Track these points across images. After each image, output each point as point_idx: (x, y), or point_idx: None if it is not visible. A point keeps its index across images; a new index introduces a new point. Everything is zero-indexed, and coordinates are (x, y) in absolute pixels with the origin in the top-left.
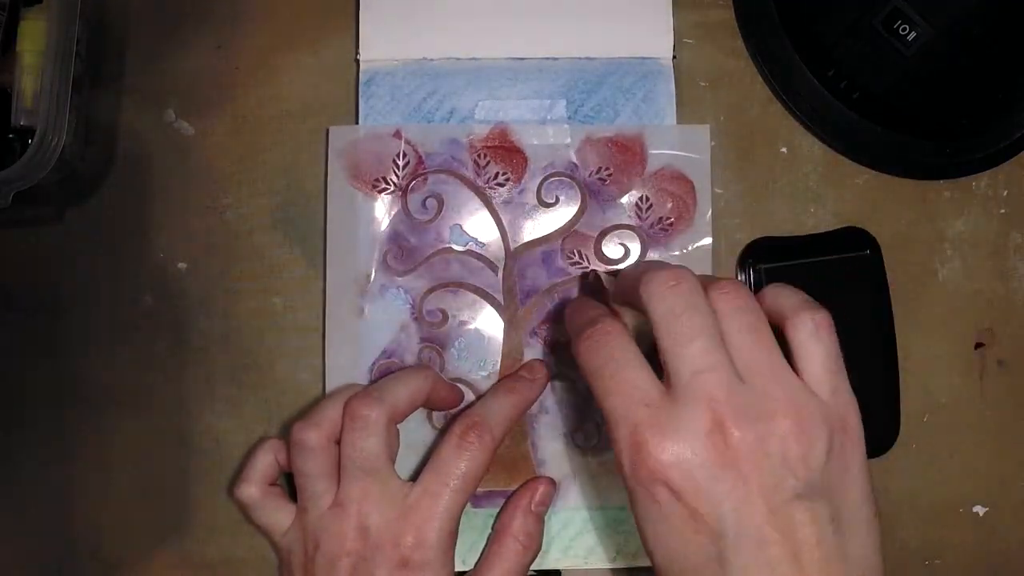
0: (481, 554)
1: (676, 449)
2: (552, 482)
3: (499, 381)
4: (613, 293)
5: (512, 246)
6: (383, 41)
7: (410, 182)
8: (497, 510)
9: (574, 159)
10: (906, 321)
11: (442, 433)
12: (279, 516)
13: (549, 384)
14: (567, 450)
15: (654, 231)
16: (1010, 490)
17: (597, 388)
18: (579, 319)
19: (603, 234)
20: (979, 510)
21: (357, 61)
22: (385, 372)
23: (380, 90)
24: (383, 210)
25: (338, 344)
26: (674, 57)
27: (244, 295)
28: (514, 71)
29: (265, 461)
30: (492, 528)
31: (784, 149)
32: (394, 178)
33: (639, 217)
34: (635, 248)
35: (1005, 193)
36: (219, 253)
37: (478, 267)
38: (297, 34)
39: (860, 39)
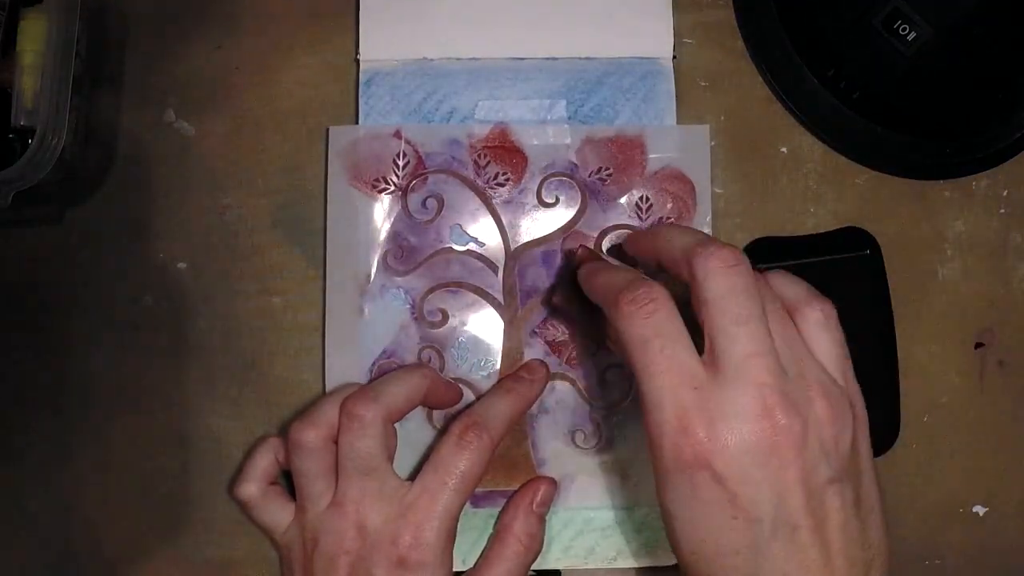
0: (481, 554)
1: (725, 434)
2: (553, 482)
3: (499, 381)
4: (634, 250)
5: (512, 246)
6: (383, 41)
7: (410, 182)
8: (497, 510)
9: (574, 159)
10: (906, 321)
11: (442, 432)
12: (279, 515)
13: (549, 384)
14: (567, 450)
15: None
16: (1010, 490)
17: (641, 362)
18: (614, 280)
19: (603, 234)
20: (979, 510)
21: (357, 61)
22: (385, 372)
23: (380, 90)
24: (383, 210)
25: (338, 344)
26: (674, 57)
27: (244, 295)
28: (514, 71)
29: (265, 460)
30: (493, 528)
31: (784, 149)
32: (394, 178)
33: (639, 217)
34: None
35: (1005, 193)
36: (219, 253)
37: (478, 267)
38: (297, 34)
39: (860, 39)
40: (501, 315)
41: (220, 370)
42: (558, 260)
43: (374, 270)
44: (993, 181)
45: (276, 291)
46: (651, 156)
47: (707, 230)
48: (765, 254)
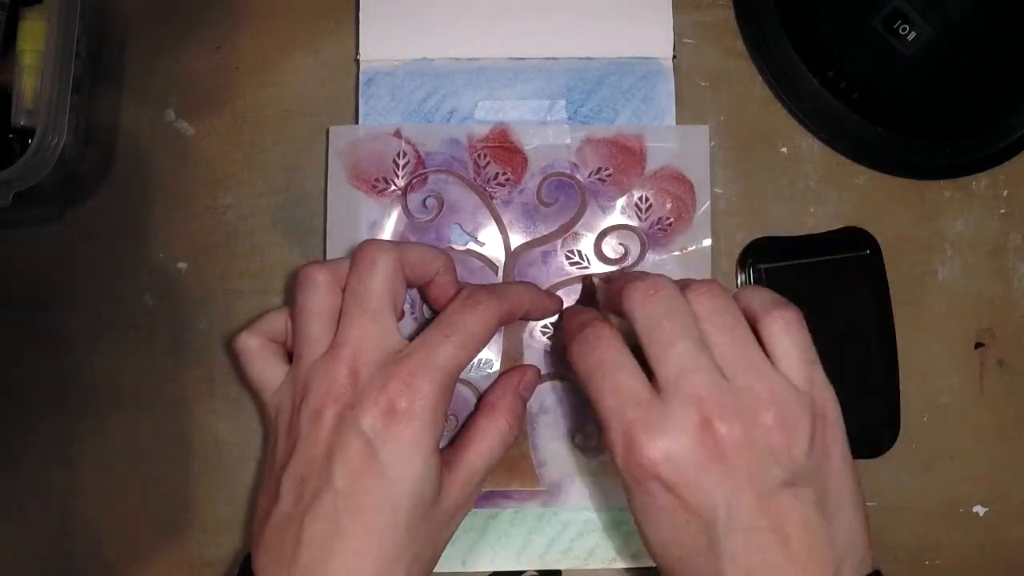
0: (459, 430)
1: (667, 446)
2: (538, 371)
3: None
4: (602, 302)
5: (512, 246)
6: (383, 41)
7: (410, 182)
8: (498, 511)
9: (574, 159)
10: (906, 321)
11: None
12: (273, 371)
13: (549, 384)
14: (567, 450)
15: (654, 231)
16: (1010, 490)
17: (591, 389)
18: (572, 323)
19: (603, 234)
20: (979, 510)
21: (357, 61)
22: None
23: (380, 90)
24: (383, 210)
25: None
26: (674, 57)
27: (244, 295)
28: (514, 71)
29: (276, 319)
30: (476, 406)
31: (784, 149)
32: (394, 178)
33: (639, 217)
34: (635, 248)
35: (1005, 193)
36: (219, 253)
37: (478, 267)
38: (297, 34)
39: (860, 39)
40: None
41: (220, 370)
42: (558, 260)
43: None
44: (993, 181)
45: (276, 291)
46: (651, 156)
47: (707, 230)
48: (765, 254)
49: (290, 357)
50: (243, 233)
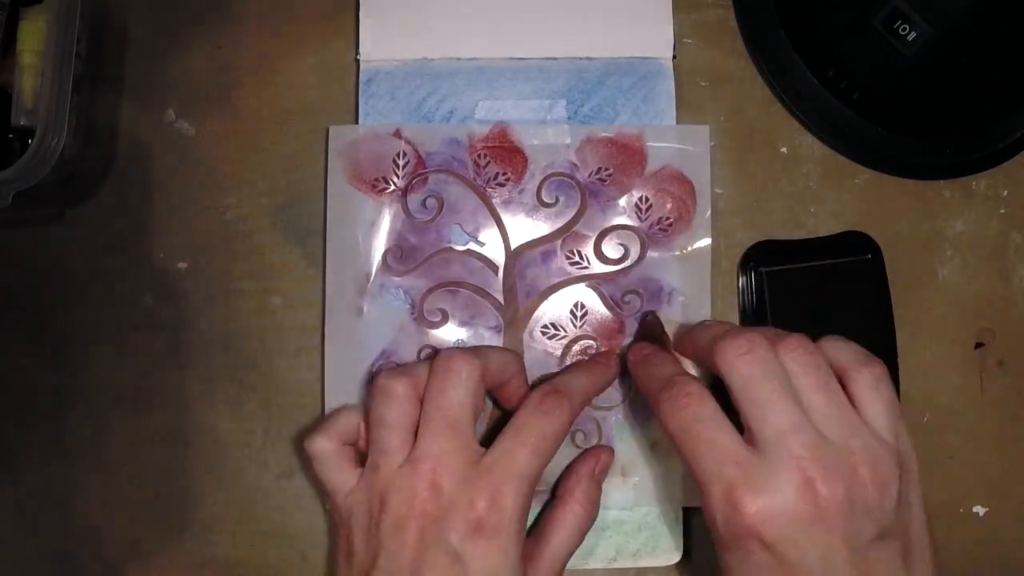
0: (537, 518)
1: (770, 505)
2: (612, 451)
3: (576, 361)
4: (677, 347)
5: (512, 246)
6: (383, 41)
7: (410, 182)
8: None
9: (574, 159)
10: (906, 321)
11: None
12: (346, 475)
13: None
14: (567, 450)
15: (654, 231)
16: (1010, 490)
17: (684, 448)
18: (656, 374)
19: (603, 234)
20: (979, 510)
21: (357, 61)
22: None
23: (380, 90)
24: (383, 210)
25: (338, 344)
26: (674, 57)
27: (244, 295)
28: (514, 71)
29: (348, 420)
30: (552, 493)
31: (784, 149)
32: (394, 178)
33: (639, 217)
34: (635, 248)
35: (1005, 193)
36: (219, 253)
37: (478, 267)
38: (297, 34)
39: (860, 39)
40: (501, 315)
41: (220, 370)
42: (558, 260)
43: (374, 270)
44: (993, 181)
45: (276, 291)
46: (651, 156)
47: (707, 230)
48: (766, 257)
49: (363, 458)
50: (243, 233)
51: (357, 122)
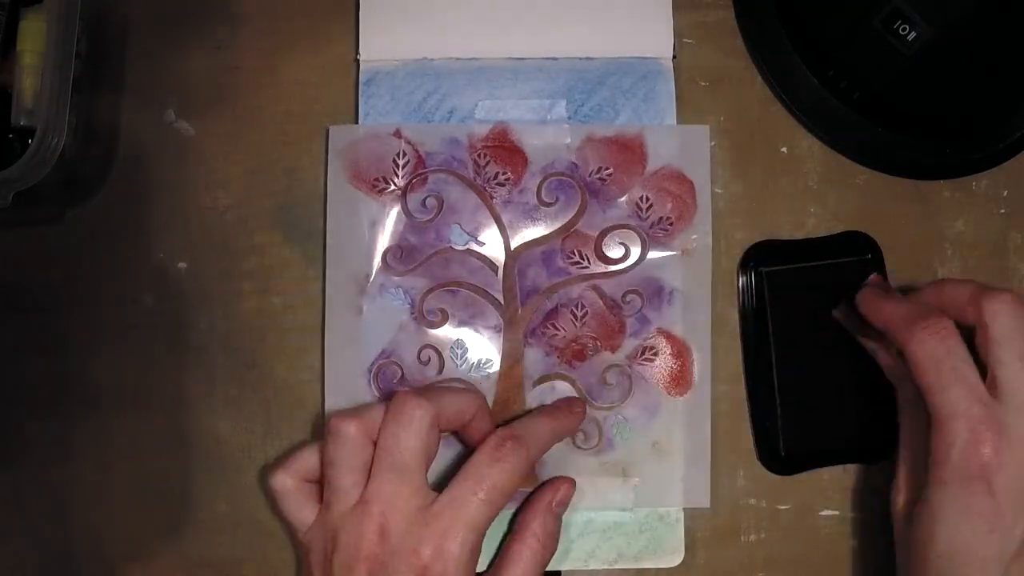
0: (497, 552)
1: (1008, 455)
2: (572, 483)
3: (538, 407)
4: (930, 299)
5: (512, 246)
6: (383, 41)
7: (410, 182)
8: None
9: (574, 159)
10: None
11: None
12: (306, 512)
13: (549, 384)
14: (567, 451)
15: (654, 231)
16: None
17: (935, 376)
18: (908, 311)
19: (603, 234)
20: None
21: (357, 61)
22: (385, 372)
23: (380, 90)
24: (383, 210)
25: (338, 344)
26: (674, 57)
27: (244, 295)
28: (514, 71)
29: (309, 457)
30: (509, 527)
31: (784, 149)
32: (394, 178)
33: (639, 217)
34: (635, 248)
35: (1005, 193)
36: (219, 253)
37: (478, 267)
38: (297, 34)
39: (860, 39)
40: (501, 315)
41: (220, 370)
42: (558, 260)
43: (374, 270)
44: (993, 181)
45: (276, 291)
46: (651, 156)
47: (707, 230)
48: (766, 257)
49: (322, 493)
50: (243, 233)
51: (357, 122)
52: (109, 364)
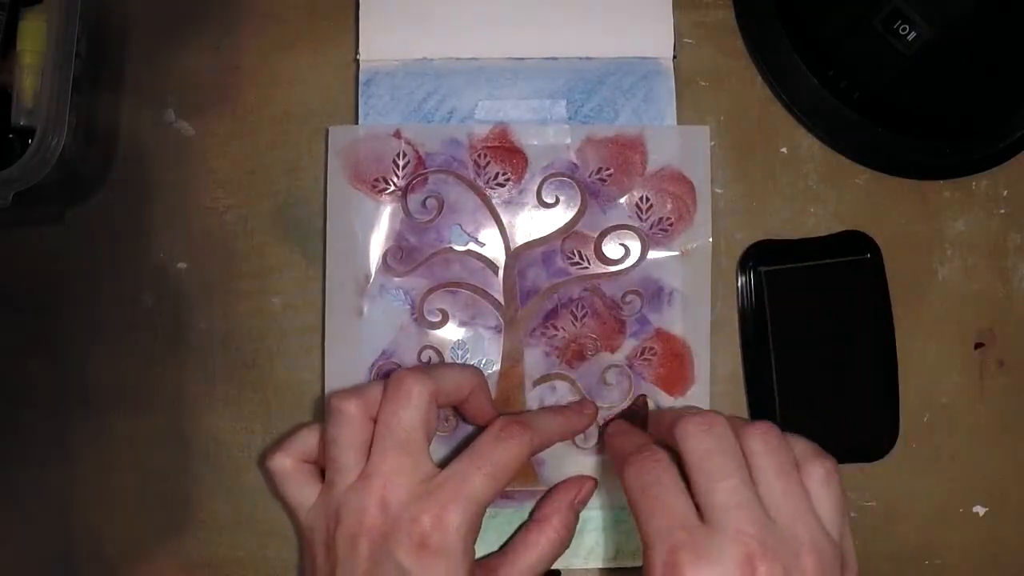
0: (510, 538)
1: (709, 574)
2: (595, 482)
3: (548, 406)
4: (652, 427)
5: (512, 246)
6: (383, 41)
7: (410, 182)
8: (498, 511)
9: (574, 159)
10: (906, 321)
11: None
12: (306, 492)
13: (549, 384)
14: (567, 450)
15: (654, 231)
16: (1010, 490)
17: (640, 507)
18: (627, 444)
19: (603, 234)
20: (979, 510)
21: (357, 61)
22: (385, 373)
23: (380, 90)
24: (383, 210)
25: (338, 344)
26: (674, 57)
27: (244, 295)
28: (514, 71)
29: (307, 438)
30: (530, 515)
31: (784, 149)
32: (394, 178)
33: (639, 217)
34: (635, 248)
35: (1005, 193)
36: (219, 253)
37: (478, 267)
38: (297, 34)
39: (860, 39)
40: (501, 315)
41: (220, 370)
42: (558, 260)
43: (374, 270)
44: (993, 181)
45: (276, 291)
46: (651, 156)
47: (707, 230)
48: (765, 257)
49: (322, 474)
50: (243, 233)
51: (357, 122)
52: (109, 364)
